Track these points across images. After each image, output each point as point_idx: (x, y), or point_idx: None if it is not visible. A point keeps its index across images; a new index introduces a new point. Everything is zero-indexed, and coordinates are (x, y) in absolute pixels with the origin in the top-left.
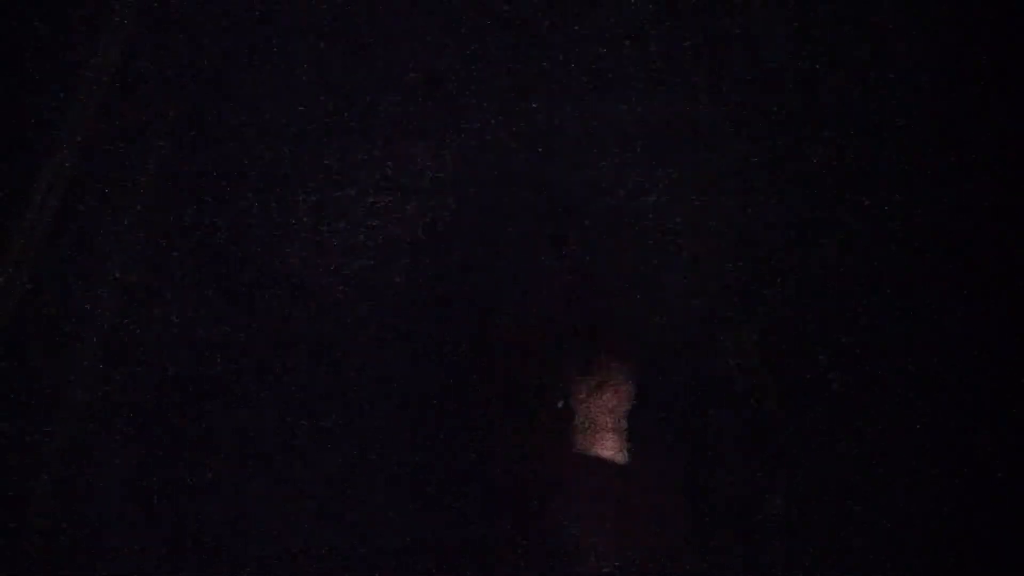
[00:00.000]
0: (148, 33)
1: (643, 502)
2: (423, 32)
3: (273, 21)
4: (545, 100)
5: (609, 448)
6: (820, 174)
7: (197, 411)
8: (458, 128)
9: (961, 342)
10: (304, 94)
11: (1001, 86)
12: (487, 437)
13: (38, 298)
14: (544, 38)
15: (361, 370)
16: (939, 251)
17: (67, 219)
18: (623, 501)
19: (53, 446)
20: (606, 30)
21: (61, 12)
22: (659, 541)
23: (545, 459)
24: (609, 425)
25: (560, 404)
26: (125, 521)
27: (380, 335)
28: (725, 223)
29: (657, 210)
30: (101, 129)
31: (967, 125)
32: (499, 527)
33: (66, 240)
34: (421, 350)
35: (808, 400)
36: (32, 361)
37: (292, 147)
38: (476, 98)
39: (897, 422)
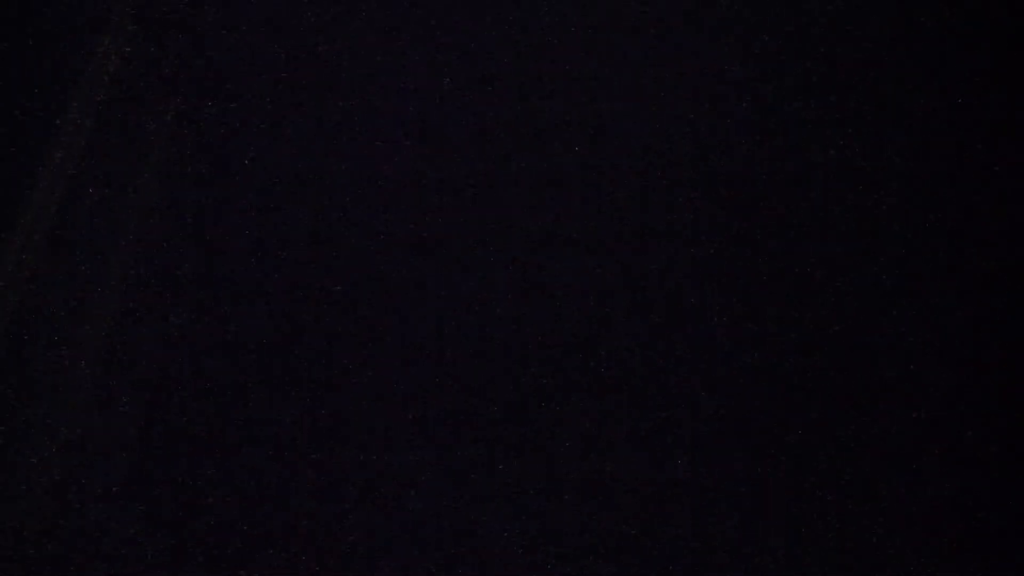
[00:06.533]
0: (148, 33)
1: (643, 502)
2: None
3: (272, 21)
4: None
5: (609, 448)
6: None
7: (197, 411)
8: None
9: (960, 342)
10: (304, 93)
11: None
12: (487, 436)
13: (38, 298)
14: None
15: (363, 369)
16: (939, 251)
17: (67, 219)
18: (623, 500)
19: (53, 446)
20: None
21: (61, 12)
22: (659, 540)
23: (546, 459)
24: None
25: None
26: (125, 521)
27: (382, 334)
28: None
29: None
30: (101, 129)
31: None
32: (499, 527)
33: (66, 240)
34: (422, 349)
35: (808, 399)
36: (32, 361)
37: (292, 147)
38: None
39: (896, 422)
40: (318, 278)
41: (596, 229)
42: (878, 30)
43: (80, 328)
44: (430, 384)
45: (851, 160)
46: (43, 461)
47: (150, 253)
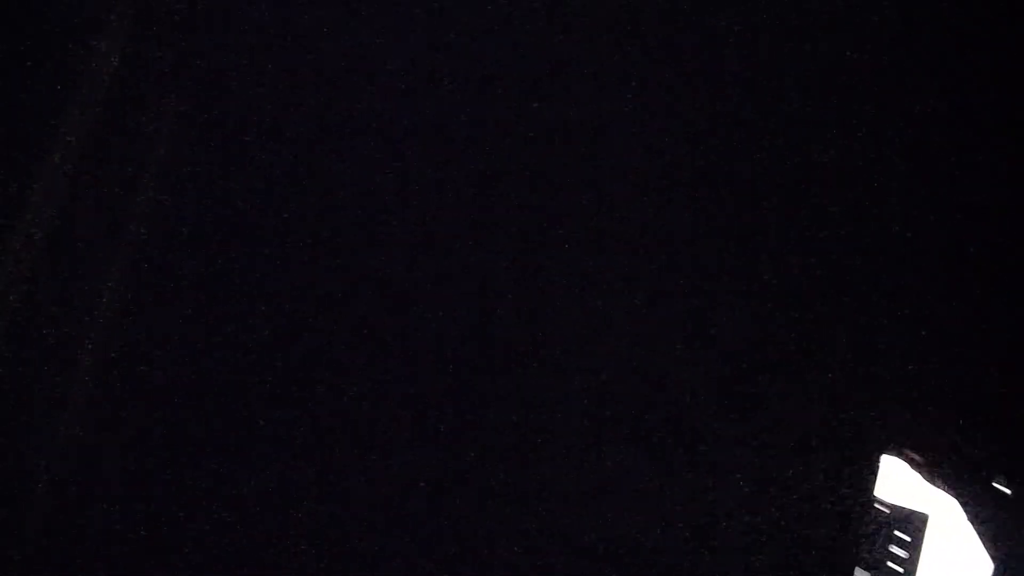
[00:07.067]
0: (148, 33)
1: (642, 501)
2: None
3: (273, 21)
4: None
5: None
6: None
7: (197, 411)
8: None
9: (961, 343)
10: (304, 93)
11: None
12: (487, 437)
13: (38, 298)
14: None
15: (362, 369)
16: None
17: (67, 219)
18: (623, 500)
19: (53, 446)
20: None
21: (61, 12)
22: (658, 540)
23: (545, 460)
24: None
25: None
26: (125, 521)
27: (381, 334)
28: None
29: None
30: (101, 129)
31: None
32: (499, 523)
33: (66, 241)
34: (421, 349)
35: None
36: (32, 361)
37: (292, 147)
38: None
39: (896, 421)
40: (318, 278)
41: (596, 229)
42: (878, 30)
43: (80, 328)
44: (430, 384)
45: (851, 160)
46: (43, 461)
47: (150, 253)
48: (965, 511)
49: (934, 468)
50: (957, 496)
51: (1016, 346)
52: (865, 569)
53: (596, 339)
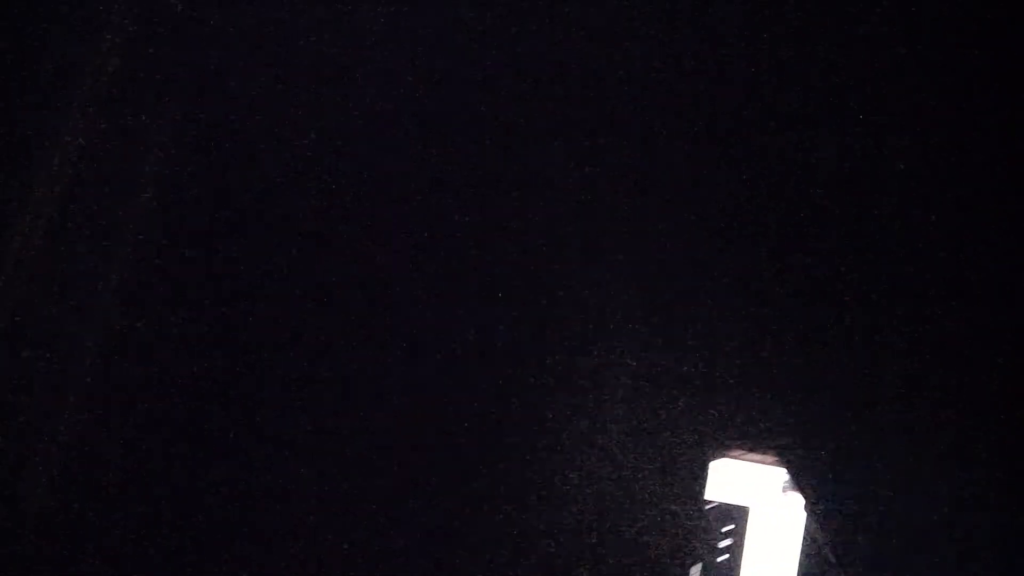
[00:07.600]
0: (148, 33)
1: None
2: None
3: (273, 21)
4: None
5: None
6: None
7: (197, 411)
8: None
9: (960, 343)
10: (304, 93)
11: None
12: (487, 436)
13: (38, 298)
14: None
15: (362, 369)
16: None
17: (67, 219)
18: (623, 501)
19: (53, 446)
20: None
21: (61, 12)
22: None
23: (546, 460)
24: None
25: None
26: (125, 521)
27: (381, 334)
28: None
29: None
30: (101, 129)
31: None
32: (499, 523)
33: (66, 240)
34: (421, 350)
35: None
36: (32, 361)
37: (292, 147)
38: None
39: (896, 422)
40: (318, 278)
41: (596, 229)
42: (878, 30)
43: (80, 328)
44: (431, 384)
45: (851, 160)
46: (43, 461)
47: (150, 253)
48: (789, 501)
49: (767, 461)
50: (794, 489)
51: (1016, 346)
52: (696, 560)
53: (596, 338)
